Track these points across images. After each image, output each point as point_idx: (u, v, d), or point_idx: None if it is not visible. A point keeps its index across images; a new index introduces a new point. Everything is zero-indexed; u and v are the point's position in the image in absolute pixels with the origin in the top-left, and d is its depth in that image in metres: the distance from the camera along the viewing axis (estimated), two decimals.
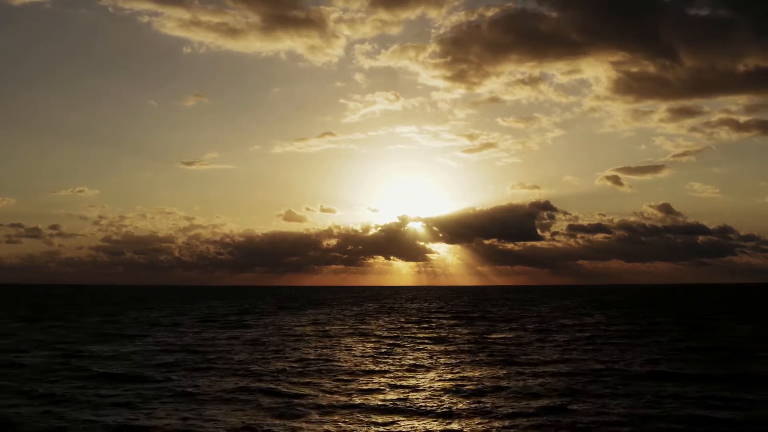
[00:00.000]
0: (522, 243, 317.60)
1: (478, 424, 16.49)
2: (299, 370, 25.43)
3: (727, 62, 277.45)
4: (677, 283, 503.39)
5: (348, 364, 27.28)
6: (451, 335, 41.31)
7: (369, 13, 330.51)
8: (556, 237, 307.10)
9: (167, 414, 17.63)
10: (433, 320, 58.21)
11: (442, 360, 28.63)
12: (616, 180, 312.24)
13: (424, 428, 16.13)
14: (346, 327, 49.25)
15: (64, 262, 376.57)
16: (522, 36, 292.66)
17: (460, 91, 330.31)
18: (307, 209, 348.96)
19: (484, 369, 25.54)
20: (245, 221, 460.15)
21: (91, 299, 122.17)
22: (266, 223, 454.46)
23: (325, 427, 16.21)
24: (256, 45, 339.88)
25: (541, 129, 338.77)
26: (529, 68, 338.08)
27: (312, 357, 29.45)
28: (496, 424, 16.44)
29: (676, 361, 27.22)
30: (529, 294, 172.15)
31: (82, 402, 19.33)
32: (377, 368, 26.00)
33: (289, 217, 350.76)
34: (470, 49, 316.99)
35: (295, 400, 19.28)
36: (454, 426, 16.31)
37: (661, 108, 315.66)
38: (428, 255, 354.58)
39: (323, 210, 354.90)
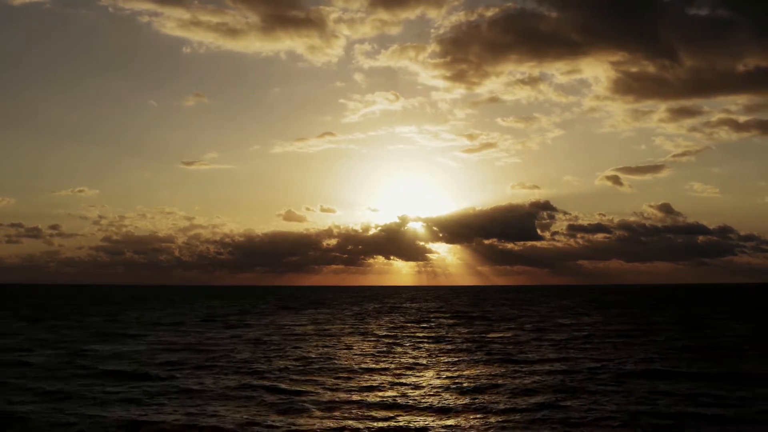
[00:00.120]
0: (522, 243, 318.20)
1: (474, 419, 16.99)
2: (300, 368, 25.90)
3: (726, 62, 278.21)
4: (677, 283, 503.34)
5: (348, 362, 27.71)
6: (450, 334, 41.75)
7: (369, 13, 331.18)
8: (556, 237, 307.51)
9: (174, 410, 18.11)
10: (433, 320, 58.65)
11: (440, 358, 29.06)
12: (616, 180, 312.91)
13: (422, 424, 16.59)
14: (346, 326, 49.67)
15: (64, 262, 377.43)
16: (522, 36, 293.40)
17: (459, 91, 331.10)
18: (307, 209, 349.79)
19: (481, 367, 26.01)
20: (245, 221, 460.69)
21: (92, 299, 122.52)
22: (266, 223, 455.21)
23: (327, 423, 16.66)
24: (256, 45, 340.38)
25: (540, 129, 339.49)
26: (528, 68, 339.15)
27: (313, 355, 29.90)
28: (492, 419, 16.94)
29: (672, 360, 27.57)
30: (529, 294, 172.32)
31: (89, 399, 19.75)
32: (377, 366, 26.44)
33: (289, 217, 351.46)
34: (470, 49, 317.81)
35: (297, 397, 19.76)
36: (452, 421, 16.80)
37: (660, 108, 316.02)
38: (428, 255, 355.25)
39: (323, 210, 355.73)
